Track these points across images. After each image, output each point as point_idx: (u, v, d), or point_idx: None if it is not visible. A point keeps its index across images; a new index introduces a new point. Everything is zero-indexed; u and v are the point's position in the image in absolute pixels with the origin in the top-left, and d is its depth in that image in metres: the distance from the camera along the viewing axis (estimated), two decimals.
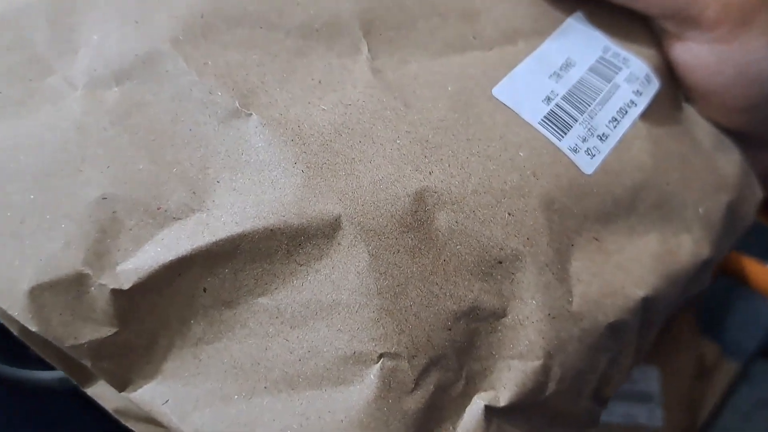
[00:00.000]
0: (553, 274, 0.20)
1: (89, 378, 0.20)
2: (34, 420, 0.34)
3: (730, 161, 0.26)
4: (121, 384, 0.19)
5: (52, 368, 0.32)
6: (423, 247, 0.19)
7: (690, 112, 0.27)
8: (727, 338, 0.55)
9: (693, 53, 0.25)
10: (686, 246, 0.23)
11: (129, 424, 0.20)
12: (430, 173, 0.20)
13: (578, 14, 0.25)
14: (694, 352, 0.53)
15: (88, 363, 0.18)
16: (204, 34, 0.20)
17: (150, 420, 0.20)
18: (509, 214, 0.20)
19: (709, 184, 0.25)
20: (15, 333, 0.18)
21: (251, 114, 0.19)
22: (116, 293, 0.17)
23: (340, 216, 0.18)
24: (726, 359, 0.54)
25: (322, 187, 0.19)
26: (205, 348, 0.19)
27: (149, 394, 0.19)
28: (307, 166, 0.19)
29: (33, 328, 0.17)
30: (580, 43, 0.25)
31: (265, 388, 0.19)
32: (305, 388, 0.18)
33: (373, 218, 0.19)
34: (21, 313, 0.17)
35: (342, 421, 0.18)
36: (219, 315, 0.19)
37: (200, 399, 0.19)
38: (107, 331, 0.18)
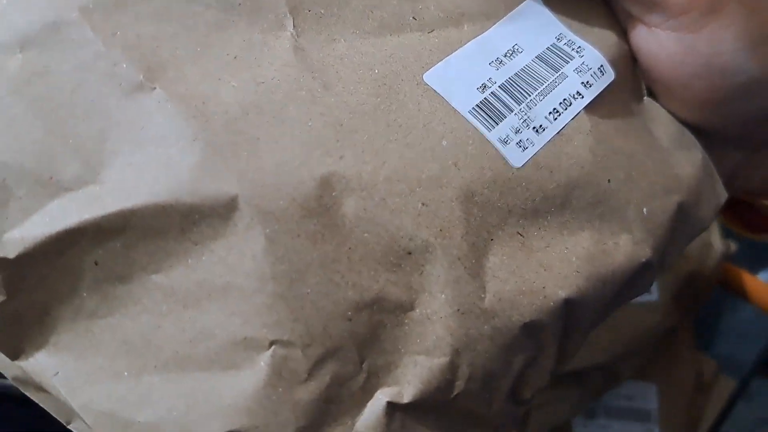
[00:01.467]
0: (465, 268, 0.19)
1: None
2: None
3: (689, 160, 0.25)
4: (14, 353, 0.19)
5: None
6: (326, 233, 0.18)
7: (651, 106, 0.26)
8: (723, 354, 0.55)
9: (658, 41, 0.24)
10: (625, 247, 0.22)
11: (28, 393, 0.20)
12: (340, 158, 0.19)
13: None
14: (691, 368, 0.52)
15: None
16: (116, 4, 0.19)
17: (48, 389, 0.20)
18: (423, 204, 0.19)
19: (658, 184, 0.24)
20: None
21: (155, 88, 0.18)
22: (2, 262, 0.17)
23: (237, 196, 0.18)
24: (723, 375, 0.53)
25: (220, 166, 0.18)
26: (99, 322, 0.18)
27: (40, 365, 0.19)
28: (207, 144, 0.18)
29: None
30: (532, 29, 0.24)
31: (155, 367, 0.18)
32: (194, 370, 0.18)
33: (273, 201, 0.18)
34: None
35: (229, 405, 0.18)
36: (113, 290, 0.18)
37: (90, 374, 0.18)
38: None
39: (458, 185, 0.20)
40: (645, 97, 0.26)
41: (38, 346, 0.19)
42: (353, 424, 0.19)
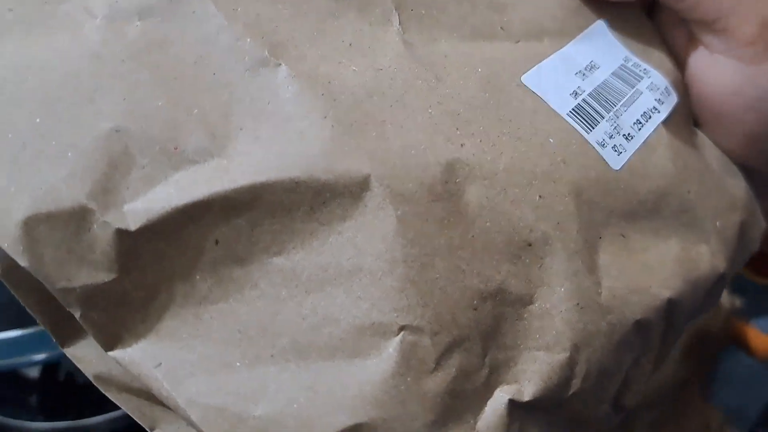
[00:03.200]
0: (582, 262, 0.19)
1: (72, 335, 0.18)
2: None
3: (737, 185, 0.26)
4: (110, 341, 0.17)
5: (45, 419, 0.31)
6: (452, 219, 0.18)
7: (700, 135, 0.27)
8: (729, 405, 0.55)
9: (718, 67, 0.25)
10: (705, 256, 0.23)
11: (110, 395, 0.18)
12: (461, 145, 0.19)
13: (601, 23, 0.25)
14: (699, 419, 0.52)
15: (77, 311, 0.16)
16: None
17: (134, 390, 0.18)
18: (540, 197, 0.19)
19: (723, 202, 0.24)
20: None
21: (280, 65, 0.18)
22: (121, 234, 0.16)
23: (369, 176, 0.17)
24: (729, 427, 0.53)
25: (352, 144, 0.17)
26: (209, 308, 0.17)
27: (140, 355, 0.17)
28: (337, 122, 0.17)
29: (23, 263, 0.15)
30: (602, 49, 0.24)
31: (272, 356, 0.17)
32: (316, 359, 0.17)
33: (403, 183, 0.17)
34: (11, 245, 0.15)
35: (355, 396, 0.17)
36: (229, 272, 0.17)
37: (197, 364, 0.17)
38: (105, 276, 0.16)
39: (568, 181, 0.20)
40: (692, 127, 0.27)
41: (139, 335, 0.17)
42: (475, 423, 0.18)
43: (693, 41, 0.26)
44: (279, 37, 0.18)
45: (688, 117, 0.26)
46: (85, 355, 0.18)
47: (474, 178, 0.19)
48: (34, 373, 0.35)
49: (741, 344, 0.50)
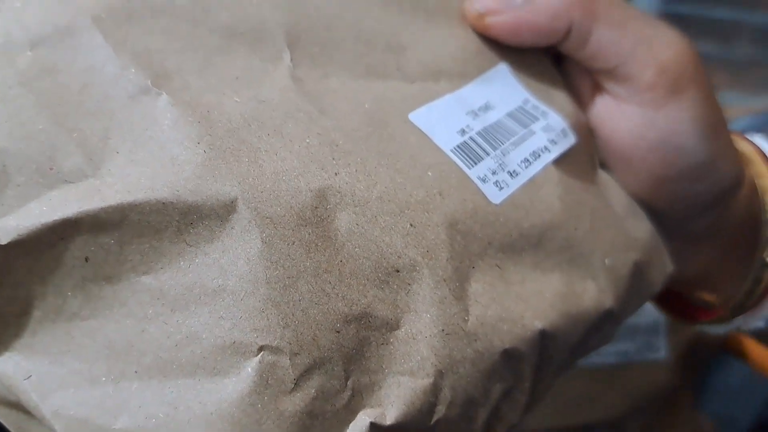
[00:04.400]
0: (450, 290, 0.20)
1: None
2: None
3: (641, 228, 0.27)
4: None
5: None
6: (320, 243, 0.19)
7: (604, 177, 0.28)
8: (721, 414, 0.56)
9: (622, 112, 0.26)
10: (590, 292, 0.23)
11: None
12: (335, 174, 0.20)
13: (503, 65, 0.26)
14: (692, 425, 0.53)
15: None
16: (128, 17, 0.20)
17: (12, 404, 0.19)
18: (411, 225, 0.20)
19: (618, 241, 0.25)
20: None
21: (161, 93, 0.19)
22: None
23: (236, 199, 0.18)
24: None
25: (223, 168, 0.18)
26: (80, 325, 0.18)
27: (12, 368, 0.18)
28: (210, 147, 0.18)
29: None
30: (501, 91, 0.26)
31: (136, 372, 0.18)
32: (178, 376, 0.18)
33: (271, 206, 0.18)
34: None
35: (212, 413, 0.17)
36: (99, 290, 0.18)
37: (65, 378, 0.18)
38: None
39: (443, 212, 0.21)
40: (598, 169, 0.28)
41: (12, 348, 0.18)
42: None
43: (597, 88, 0.27)
44: (165, 68, 0.19)
45: (591, 159, 0.27)
46: None
47: (345, 205, 0.19)
48: None
49: (738, 354, 0.50)
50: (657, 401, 0.49)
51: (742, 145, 0.31)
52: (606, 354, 0.47)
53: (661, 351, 0.48)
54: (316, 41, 0.23)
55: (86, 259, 0.18)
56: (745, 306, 0.31)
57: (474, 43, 0.26)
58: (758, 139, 0.33)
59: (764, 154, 0.32)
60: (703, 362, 0.52)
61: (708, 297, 0.32)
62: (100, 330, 0.18)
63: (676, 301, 0.34)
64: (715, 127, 0.26)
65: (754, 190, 0.30)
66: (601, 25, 0.25)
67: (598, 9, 0.25)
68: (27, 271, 0.17)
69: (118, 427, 0.17)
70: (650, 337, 0.48)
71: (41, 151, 0.17)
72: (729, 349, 0.50)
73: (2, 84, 0.18)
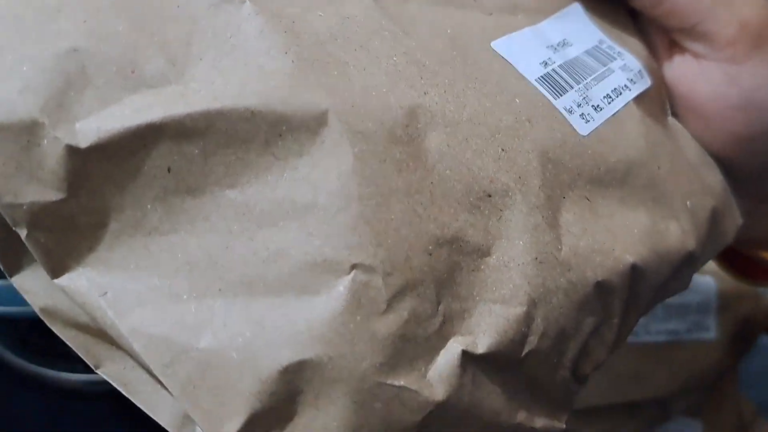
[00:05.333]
0: (543, 217, 0.19)
1: (19, 263, 0.18)
2: (61, 421, 0.31)
3: (713, 176, 0.26)
4: (56, 267, 0.17)
5: (81, 371, 0.31)
6: (411, 163, 0.18)
7: (676, 126, 0.27)
8: (764, 398, 0.55)
9: (702, 70, 0.25)
10: (674, 231, 0.22)
11: (55, 329, 0.18)
12: (425, 93, 0.19)
13: (577, 5, 0.25)
14: (735, 408, 0.53)
15: (23, 231, 0.16)
16: None
17: (80, 326, 0.18)
18: (502, 150, 0.19)
19: (696, 185, 0.24)
20: None
21: (245, 1, 0.18)
22: (71, 151, 0.16)
23: (327, 111, 0.17)
24: (762, 417, 0.54)
25: (312, 80, 0.17)
26: (159, 239, 0.17)
27: (86, 284, 0.17)
28: (298, 57, 0.17)
29: None
30: (577, 29, 0.25)
31: (220, 290, 0.17)
32: (265, 294, 0.16)
33: (363, 121, 0.17)
34: None
35: (302, 333, 0.16)
36: (181, 203, 0.17)
37: (144, 295, 0.17)
38: (53, 195, 0.16)
39: (533, 139, 0.20)
40: (669, 117, 0.27)
41: (86, 263, 0.17)
42: (426, 371, 0.17)
43: (673, 45, 0.26)
44: None
45: (663, 106, 0.26)
46: (32, 287, 0.18)
47: (436, 125, 0.18)
48: None
49: None
50: (704, 381, 0.48)
51: None
52: (656, 332, 0.47)
53: (711, 331, 0.47)
54: None
55: (168, 170, 0.17)
56: None
57: None
58: None
59: None
60: (750, 343, 0.51)
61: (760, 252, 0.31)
62: (181, 245, 0.17)
63: (740, 260, 0.33)
64: None
65: None
66: None
67: None
68: (106, 178, 0.16)
69: (202, 346, 0.16)
70: (701, 316, 0.47)
71: (122, 53, 0.16)
72: None
73: None
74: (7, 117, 0.15)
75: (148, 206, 0.17)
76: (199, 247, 0.17)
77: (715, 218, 0.25)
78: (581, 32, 0.25)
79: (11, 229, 0.16)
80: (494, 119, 0.19)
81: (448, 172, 0.18)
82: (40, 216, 0.16)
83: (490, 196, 0.19)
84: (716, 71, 0.25)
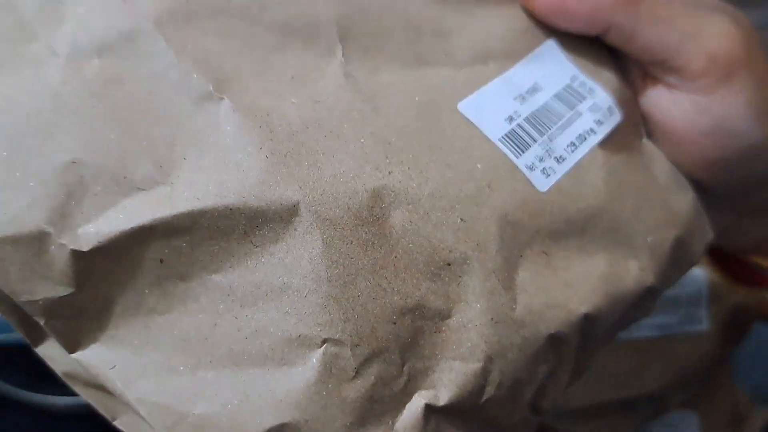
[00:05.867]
0: (499, 281, 0.21)
1: (41, 337, 0.20)
2: None
3: (683, 199, 0.27)
4: (72, 345, 0.19)
5: (66, 394, 0.33)
6: (376, 241, 0.20)
7: (649, 147, 0.28)
8: (756, 384, 0.57)
9: (674, 100, 0.26)
10: (633, 271, 0.24)
11: (77, 388, 0.21)
12: (389, 173, 0.21)
13: (551, 41, 0.27)
14: (729, 398, 0.54)
15: (41, 320, 0.19)
16: (186, 19, 0.21)
17: (96, 385, 0.21)
18: (462, 220, 0.21)
19: (660, 217, 0.26)
20: None
21: (223, 98, 0.20)
22: (75, 254, 0.18)
23: (298, 203, 0.19)
24: (756, 408, 0.55)
25: (284, 173, 0.19)
26: (157, 318, 0.19)
27: (97, 358, 0.19)
28: (272, 153, 0.19)
29: None
30: (549, 69, 0.26)
31: (210, 362, 0.19)
32: (249, 366, 0.19)
33: (330, 209, 0.19)
34: None
35: (281, 400, 0.19)
36: (173, 287, 0.19)
37: (146, 368, 0.19)
38: (63, 290, 0.18)
39: (492, 205, 0.22)
40: (644, 139, 0.28)
41: (96, 340, 0.19)
42: (393, 424, 0.20)
43: (647, 75, 0.27)
44: (225, 72, 0.20)
45: (636, 129, 0.28)
46: (54, 355, 0.21)
47: (399, 203, 0.20)
48: None
49: None
50: (698, 374, 0.49)
51: None
52: (648, 327, 0.47)
53: (703, 323, 0.48)
54: (367, 32, 0.23)
55: (161, 261, 0.19)
56: None
57: (522, 21, 0.26)
58: None
59: None
60: (742, 333, 0.52)
61: (763, 262, 0.33)
62: (175, 324, 0.19)
63: (733, 264, 0.35)
64: None
65: None
66: (645, 23, 0.25)
67: (641, 7, 0.25)
68: (107, 273, 0.19)
69: (197, 413, 0.19)
70: (692, 309, 0.48)
71: (115, 161, 0.19)
72: (765, 317, 0.50)
73: (73, 95, 0.19)
74: (18, 230, 0.18)
75: (146, 291, 0.19)
76: (192, 324, 0.19)
77: (679, 246, 0.26)
78: (554, 71, 0.26)
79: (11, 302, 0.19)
80: (455, 190, 0.21)
81: (410, 245, 0.20)
82: (53, 308, 0.18)
83: (449, 264, 0.21)
84: (687, 101, 0.26)
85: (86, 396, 0.21)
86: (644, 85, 0.28)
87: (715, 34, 0.26)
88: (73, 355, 0.19)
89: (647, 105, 0.28)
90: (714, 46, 0.25)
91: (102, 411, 0.21)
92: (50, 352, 0.21)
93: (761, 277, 0.35)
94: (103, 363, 0.19)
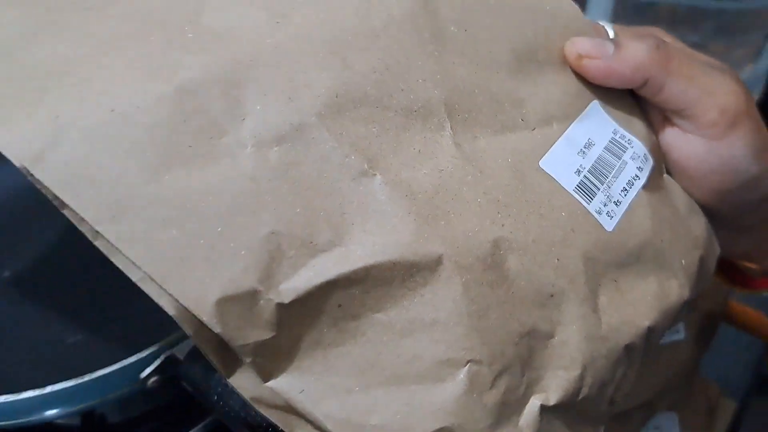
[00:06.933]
0: (588, 306, 0.27)
1: (233, 369, 0.25)
2: None
3: (699, 223, 0.34)
4: (266, 376, 0.24)
5: None
6: (499, 281, 0.26)
7: (669, 181, 0.34)
8: (723, 376, 0.63)
9: (689, 142, 0.33)
10: (675, 288, 0.31)
11: (261, 410, 0.26)
12: (502, 225, 0.26)
13: (595, 102, 0.33)
14: (704, 394, 0.60)
15: (248, 359, 0.24)
16: (339, 111, 0.26)
17: (282, 407, 0.26)
18: (557, 260, 0.27)
19: (687, 242, 0.32)
20: (189, 334, 0.23)
21: (376, 174, 0.25)
22: (279, 306, 0.23)
23: (442, 255, 0.25)
24: (725, 398, 0.62)
25: (429, 232, 0.25)
26: (333, 351, 0.24)
27: (288, 386, 0.24)
28: (418, 216, 0.25)
29: (217, 330, 0.23)
30: (596, 126, 0.32)
31: (379, 383, 0.24)
32: (410, 384, 0.24)
33: (465, 258, 0.25)
34: (209, 319, 0.22)
35: (438, 409, 0.24)
36: (346, 325, 0.24)
37: (328, 390, 0.24)
38: (267, 335, 0.23)
39: (577, 246, 0.28)
40: (665, 175, 0.35)
41: (286, 371, 0.24)
42: (518, 422, 0.26)
43: (667, 120, 0.33)
44: (373, 152, 0.26)
45: (660, 169, 0.34)
46: (243, 383, 0.25)
47: (512, 250, 0.26)
48: (75, 421, 0.39)
49: (733, 321, 0.58)
50: (679, 378, 0.55)
51: None
52: None
53: (681, 332, 0.55)
54: (465, 108, 0.29)
55: (339, 305, 0.24)
56: None
57: (573, 86, 0.32)
58: None
59: None
60: (713, 335, 0.59)
61: (752, 266, 0.40)
62: (349, 354, 0.24)
63: (730, 270, 0.42)
64: (763, 149, 0.33)
65: None
66: (673, 78, 0.31)
67: (671, 65, 0.31)
68: (299, 318, 0.24)
69: (373, 423, 0.24)
70: None
71: (302, 229, 0.24)
72: (729, 320, 0.57)
73: (265, 179, 0.24)
74: (237, 290, 0.23)
75: (325, 330, 0.24)
76: (361, 354, 0.24)
77: (702, 264, 0.33)
78: (599, 127, 0.32)
79: (228, 348, 0.24)
80: (550, 236, 0.27)
81: (523, 283, 0.26)
82: (258, 349, 0.23)
83: (552, 296, 0.26)
84: (700, 144, 0.33)
85: (269, 415, 0.26)
86: (663, 127, 0.34)
87: (725, 92, 0.32)
88: (267, 384, 0.24)
89: (666, 145, 0.34)
90: (724, 102, 0.32)
91: (282, 426, 0.26)
92: (241, 382, 0.25)
93: (751, 279, 0.42)
94: (292, 389, 0.24)
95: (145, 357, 0.33)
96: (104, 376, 0.32)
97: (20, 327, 0.41)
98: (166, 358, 0.33)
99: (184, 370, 0.32)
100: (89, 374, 0.32)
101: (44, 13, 0.26)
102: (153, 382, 0.33)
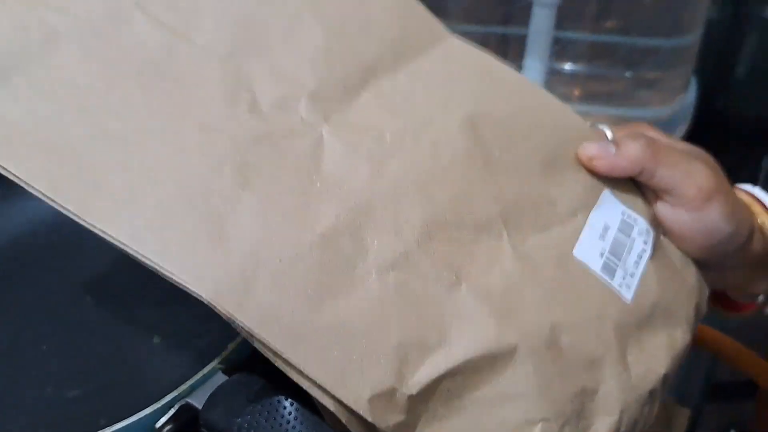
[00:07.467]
0: (622, 366, 0.36)
1: None
2: None
3: (691, 273, 0.43)
4: None
5: None
6: (557, 356, 0.34)
7: (665, 242, 0.43)
8: (676, 387, 0.72)
9: (677, 213, 0.42)
10: (680, 336, 0.40)
11: None
12: (556, 311, 0.35)
13: (606, 191, 0.41)
14: (665, 409, 0.68)
15: None
16: (429, 237, 0.34)
17: None
18: (596, 334, 0.36)
19: (684, 293, 0.42)
20: (343, 420, 0.31)
21: (461, 284, 0.33)
22: (409, 397, 0.31)
23: (517, 345, 0.33)
24: (679, 407, 0.70)
25: (507, 327, 0.33)
26: (444, 423, 0.33)
27: None
28: (497, 315, 0.33)
29: (369, 419, 0.31)
30: (609, 211, 0.41)
31: None
32: None
33: (534, 344, 0.34)
34: (365, 412, 0.31)
35: None
36: (451, 403, 0.33)
37: None
38: (400, 418, 0.32)
39: (610, 319, 0.36)
40: (662, 237, 0.44)
41: None
42: None
43: (657, 196, 0.42)
44: (457, 266, 0.34)
45: (659, 236, 0.43)
46: None
47: (564, 330, 0.35)
48: None
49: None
50: None
51: (741, 195, 0.48)
52: None
53: None
54: (515, 215, 0.37)
55: (448, 390, 0.33)
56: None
57: (588, 180, 0.41)
58: (748, 188, 0.49)
59: (755, 197, 0.48)
60: None
61: (736, 295, 0.50)
62: (454, 425, 0.33)
63: (719, 297, 0.52)
64: (734, 212, 0.42)
65: (762, 228, 0.46)
66: (661, 167, 0.40)
67: (659, 156, 0.40)
68: (420, 402, 0.32)
69: None
70: None
71: (418, 335, 0.32)
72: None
73: (387, 298, 0.32)
74: (382, 389, 0.31)
75: (438, 408, 0.33)
76: (464, 425, 0.33)
77: (698, 308, 0.42)
78: (611, 211, 0.41)
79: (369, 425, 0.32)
80: (590, 314, 0.36)
81: (573, 355, 0.35)
82: (395, 427, 0.32)
83: (593, 361, 0.35)
84: (684, 214, 0.42)
85: None
86: (656, 203, 0.43)
87: (701, 174, 0.41)
88: None
89: (659, 216, 0.43)
90: (701, 182, 0.41)
91: None
92: None
93: (736, 304, 0.52)
94: None
95: (161, 407, 0.34)
96: (122, 429, 0.33)
97: (18, 386, 0.41)
98: (180, 407, 0.34)
99: (205, 416, 0.34)
100: (108, 427, 0.33)
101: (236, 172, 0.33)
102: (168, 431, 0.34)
